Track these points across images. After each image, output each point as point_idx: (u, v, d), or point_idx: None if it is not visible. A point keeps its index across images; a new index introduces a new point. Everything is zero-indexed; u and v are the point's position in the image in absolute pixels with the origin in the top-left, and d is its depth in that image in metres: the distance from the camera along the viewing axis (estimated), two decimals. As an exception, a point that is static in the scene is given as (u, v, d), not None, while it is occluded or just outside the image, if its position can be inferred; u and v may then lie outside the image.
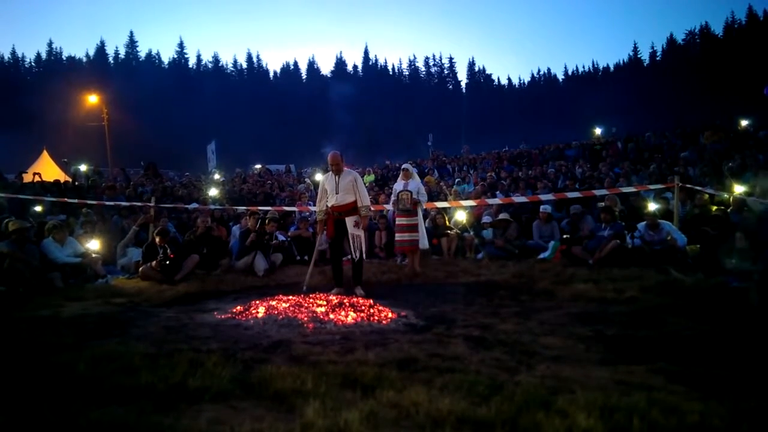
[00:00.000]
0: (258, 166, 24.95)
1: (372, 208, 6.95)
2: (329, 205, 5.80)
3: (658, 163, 12.09)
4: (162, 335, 3.81)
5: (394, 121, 67.73)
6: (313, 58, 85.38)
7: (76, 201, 9.47)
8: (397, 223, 7.18)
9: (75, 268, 6.72)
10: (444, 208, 8.98)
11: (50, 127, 44.80)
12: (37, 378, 2.67)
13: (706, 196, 7.90)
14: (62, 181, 13.90)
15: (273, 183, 16.13)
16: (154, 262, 6.64)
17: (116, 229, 8.60)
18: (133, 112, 46.89)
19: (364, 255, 5.79)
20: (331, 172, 5.83)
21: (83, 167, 17.48)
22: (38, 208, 9.27)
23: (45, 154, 21.28)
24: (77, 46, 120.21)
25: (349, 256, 5.78)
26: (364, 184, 6.51)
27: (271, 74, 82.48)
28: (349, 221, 5.71)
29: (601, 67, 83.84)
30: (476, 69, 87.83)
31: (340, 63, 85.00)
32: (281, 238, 8.01)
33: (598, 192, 8.64)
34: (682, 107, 51.14)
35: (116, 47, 77.18)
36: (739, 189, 7.65)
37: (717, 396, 2.36)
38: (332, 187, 5.74)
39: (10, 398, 2.40)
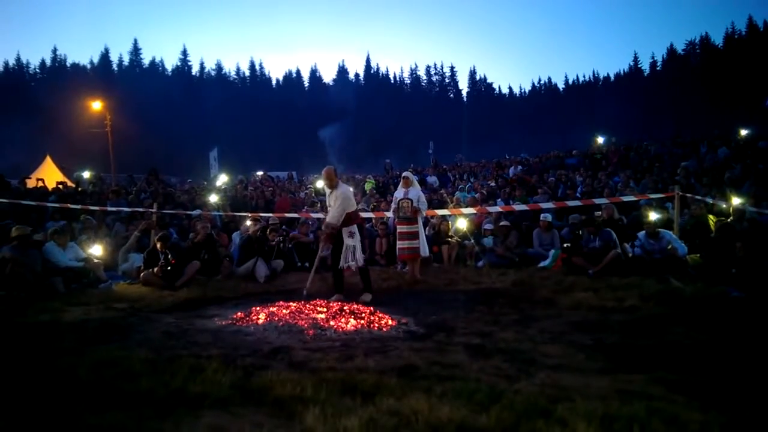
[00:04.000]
0: (260, 173, 24.98)
1: (364, 219, 6.96)
2: (325, 217, 5.95)
3: (658, 173, 12.10)
4: (163, 341, 3.82)
5: (395, 128, 67.96)
6: (315, 66, 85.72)
7: (78, 207, 9.50)
8: (397, 230, 7.21)
9: (77, 273, 6.72)
10: (445, 216, 9.00)
11: (54, 133, 44.96)
12: (38, 383, 2.67)
13: (702, 205, 7.90)
14: (66, 184, 13.94)
15: (274, 189, 16.17)
16: (155, 268, 6.66)
17: (118, 234, 8.62)
18: (136, 118, 47.03)
19: (360, 263, 5.77)
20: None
21: (86, 173, 17.47)
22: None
23: (48, 160, 21.27)
24: (81, 53, 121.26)
25: (347, 264, 5.78)
26: (365, 191, 6.54)
27: (274, 81, 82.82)
28: (344, 232, 5.76)
29: (601, 77, 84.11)
30: (477, 78, 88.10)
31: (342, 71, 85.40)
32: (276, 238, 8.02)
33: (598, 201, 8.64)
34: (682, 117, 51.28)
35: (120, 54, 77.75)
36: (738, 200, 7.65)
37: (717, 405, 2.37)
38: (328, 201, 5.98)
39: (11, 403, 2.40)
